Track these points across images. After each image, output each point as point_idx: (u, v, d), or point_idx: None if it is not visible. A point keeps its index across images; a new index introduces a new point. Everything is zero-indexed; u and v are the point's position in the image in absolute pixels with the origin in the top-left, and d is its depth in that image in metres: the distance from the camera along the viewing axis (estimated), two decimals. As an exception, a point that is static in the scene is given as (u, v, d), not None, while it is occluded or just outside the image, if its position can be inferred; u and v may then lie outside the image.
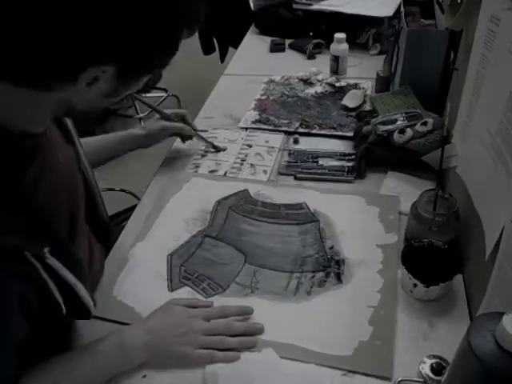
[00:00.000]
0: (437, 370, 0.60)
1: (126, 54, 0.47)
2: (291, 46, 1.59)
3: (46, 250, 0.52)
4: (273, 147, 1.10)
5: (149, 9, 0.45)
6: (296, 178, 1.00)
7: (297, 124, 1.16)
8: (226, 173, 1.03)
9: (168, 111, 1.05)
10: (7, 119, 0.51)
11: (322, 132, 1.13)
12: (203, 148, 1.11)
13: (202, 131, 1.11)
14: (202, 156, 1.09)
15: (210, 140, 1.10)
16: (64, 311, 0.57)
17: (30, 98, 0.50)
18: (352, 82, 1.34)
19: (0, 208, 0.49)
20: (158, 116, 1.05)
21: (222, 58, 2.48)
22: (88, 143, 0.89)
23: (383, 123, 0.98)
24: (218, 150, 1.10)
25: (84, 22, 0.42)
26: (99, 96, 0.52)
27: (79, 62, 0.46)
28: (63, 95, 0.50)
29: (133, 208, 0.97)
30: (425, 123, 0.94)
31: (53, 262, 0.53)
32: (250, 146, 1.11)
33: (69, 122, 0.74)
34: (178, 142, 1.11)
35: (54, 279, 0.54)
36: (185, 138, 1.08)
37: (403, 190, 0.92)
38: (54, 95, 0.50)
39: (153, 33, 0.47)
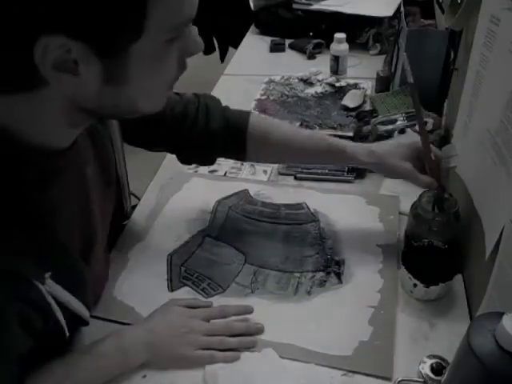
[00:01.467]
0: (437, 369, 0.60)
1: (72, 21, 0.40)
2: (291, 46, 1.59)
3: (47, 275, 0.51)
4: (273, 147, 1.09)
5: None
6: (296, 178, 1.00)
7: (297, 124, 1.16)
8: (226, 173, 1.03)
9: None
10: (24, 133, 0.48)
11: (322, 132, 1.13)
12: None
13: None
14: (202, 156, 1.09)
15: None
16: (67, 335, 0.56)
17: (30, 104, 0.47)
18: (352, 81, 1.34)
19: (10, 232, 0.47)
20: None
21: (222, 58, 2.48)
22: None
23: (383, 123, 0.98)
24: None
25: None
26: (99, 85, 0.46)
27: (17, 36, 0.40)
28: (58, 91, 0.46)
29: (133, 208, 0.96)
30: (425, 123, 0.94)
31: (52, 286, 0.51)
32: (249, 146, 1.11)
33: (115, 136, 0.72)
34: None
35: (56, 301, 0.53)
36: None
37: (403, 190, 0.92)
38: (49, 93, 0.46)
39: None
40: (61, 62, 0.42)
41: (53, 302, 0.52)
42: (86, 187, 0.62)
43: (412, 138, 0.81)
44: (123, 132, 0.77)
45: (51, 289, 0.52)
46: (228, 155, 0.85)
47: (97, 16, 0.41)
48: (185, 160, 0.85)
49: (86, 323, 0.62)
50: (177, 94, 0.81)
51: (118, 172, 0.77)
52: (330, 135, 1.10)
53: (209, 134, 0.78)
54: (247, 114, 0.82)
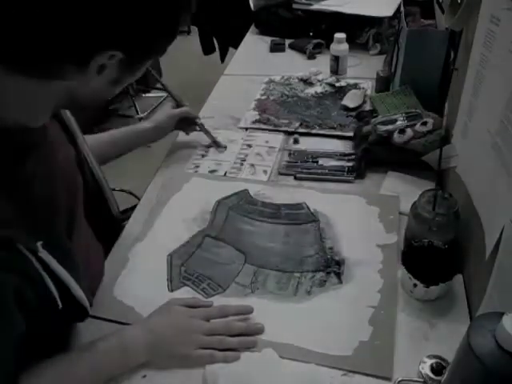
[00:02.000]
0: (437, 370, 0.60)
1: (130, 40, 0.49)
2: (291, 46, 1.59)
3: (39, 243, 0.51)
4: (273, 147, 1.10)
5: None
6: (296, 178, 1.00)
7: (297, 124, 1.16)
8: (226, 173, 1.03)
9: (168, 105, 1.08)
10: (3, 110, 0.51)
11: (322, 132, 1.13)
12: (205, 144, 1.11)
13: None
14: (202, 156, 1.09)
15: (214, 135, 1.11)
16: (60, 306, 0.56)
17: (32, 88, 0.50)
18: (352, 81, 1.34)
19: None
20: (160, 110, 1.08)
21: (222, 58, 2.48)
22: (99, 139, 0.90)
23: (383, 123, 0.98)
24: (219, 146, 1.10)
25: (90, 8, 0.44)
26: (106, 84, 0.53)
27: (88, 49, 0.46)
28: (69, 84, 0.50)
29: (133, 208, 0.96)
30: (425, 123, 0.94)
31: (45, 255, 0.52)
32: (250, 146, 1.11)
33: (73, 122, 0.74)
34: (180, 137, 1.11)
35: (49, 274, 0.54)
36: (189, 129, 1.10)
37: (403, 190, 0.92)
38: (58, 85, 0.50)
39: (155, 18, 0.49)
40: (103, 66, 0.49)
41: (43, 272, 0.53)
42: (59, 163, 0.64)
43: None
44: None
45: (46, 258, 0.52)
46: None
47: (144, 36, 0.50)
48: None
49: (86, 313, 0.62)
50: None
51: (79, 148, 0.77)
52: (330, 135, 1.12)
53: None
54: None
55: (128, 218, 0.94)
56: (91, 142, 0.83)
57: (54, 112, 0.60)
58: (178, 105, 1.07)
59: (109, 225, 0.85)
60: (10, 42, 0.44)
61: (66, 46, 0.46)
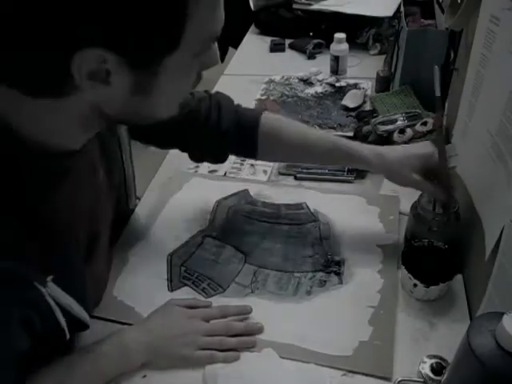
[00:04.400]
0: (437, 370, 0.60)
1: (112, 36, 0.41)
2: (291, 46, 1.59)
3: (49, 278, 0.51)
4: (273, 147, 1.09)
5: None
6: (296, 178, 1.00)
7: (297, 124, 1.16)
8: (226, 173, 1.03)
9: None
10: (41, 135, 0.49)
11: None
12: None
13: None
14: (202, 156, 1.09)
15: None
16: (68, 337, 0.56)
17: (50, 108, 0.47)
18: (352, 81, 1.34)
19: (18, 233, 0.47)
20: None
21: (222, 58, 2.48)
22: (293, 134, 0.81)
23: (383, 123, 0.98)
24: None
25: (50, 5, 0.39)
26: (126, 94, 0.47)
27: (58, 47, 0.41)
28: (85, 99, 0.47)
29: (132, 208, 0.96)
30: (425, 123, 0.94)
31: (53, 290, 0.52)
32: (250, 146, 1.11)
33: (123, 142, 0.75)
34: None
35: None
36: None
37: (403, 190, 0.92)
38: (74, 100, 0.46)
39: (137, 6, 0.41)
40: (95, 71, 0.43)
41: (53, 304, 0.52)
42: (93, 189, 0.63)
43: (420, 147, 0.79)
44: (134, 130, 0.78)
45: (53, 292, 0.52)
46: (239, 154, 0.87)
47: (136, 30, 0.42)
48: (196, 158, 0.85)
49: (87, 327, 0.62)
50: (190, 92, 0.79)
51: (125, 173, 0.78)
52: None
53: (220, 133, 0.78)
54: (259, 113, 0.82)
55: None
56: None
57: (96, 130, 0.56)
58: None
59: (120, 226, 0.85)
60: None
61: (38, 54, 0.42)
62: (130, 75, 0.45)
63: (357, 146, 0.78)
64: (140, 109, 0.51)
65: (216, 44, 0.55)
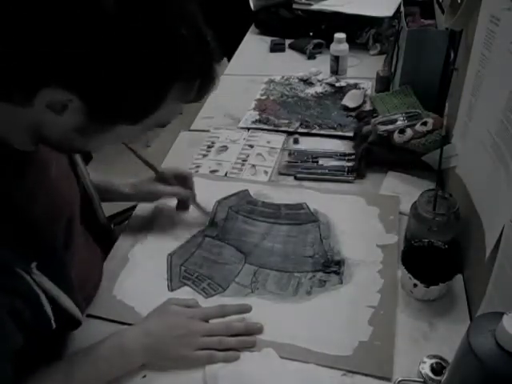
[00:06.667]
0: (437, 369, 0.60)
1: (85, 84, 0.43)
2: (291, 46, 1.59)
3: (33, 265, 0.52)
4: (274, 148, 1.09)
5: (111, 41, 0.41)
6: (296, 178, 1.00)
7: (297, 124, 1.16)
8: (226, 173, 1.03)
9: (169, 169, 0.90)
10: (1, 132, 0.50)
11: (322, 132, 1.13)
12: (206, 144, 1.12)
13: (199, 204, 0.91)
14: (203, 156, 1.09)
15: (207, 211, 0.91)
16: (53, 326, 0.56)
17: (8, 111, 0.48)
18: (352, 81, 1.34)
19: None
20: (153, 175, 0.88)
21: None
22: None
23: (383, 123, 0.98)
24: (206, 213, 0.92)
25: (33, 39, 0.40)
26: (71, 129, 0.49)
27: (31, 80, 0.43)
28: (36, 117, 0.48)
29: (133, 208, 0.97)
30: (425, 123, 0.94)
31: (38, 276, 0.52)
32: (251, 147, 1.11)
33: None
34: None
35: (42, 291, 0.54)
36: (180, 205, 0.90)
37: (403, 190, 0.92)
38: (24, 113, 0.47)
39: (124, 66, 0.42)
40: (55, 103, 0.45)
41: (39, 292, 0.53)
42: (60, 173, 0.64)
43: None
44: None
45: (38, 279, 0.52)
46: None
47: (115, 99, 0.45)
48: None
49: (79, 323, 0.62)
50: None
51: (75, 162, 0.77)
52: (330, 135, 1.12)
53: None
54: None
55: (128, 217, 0.94)
56: None
57: (36, 142, 0.56)
58: (160, 178, 0.88)
59: (100, 231, 0.85)
60: None
61: (9, 72, 0.42)
62: (82, 119, 0.47)
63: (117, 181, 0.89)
64: (76, 142, 0.52)
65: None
